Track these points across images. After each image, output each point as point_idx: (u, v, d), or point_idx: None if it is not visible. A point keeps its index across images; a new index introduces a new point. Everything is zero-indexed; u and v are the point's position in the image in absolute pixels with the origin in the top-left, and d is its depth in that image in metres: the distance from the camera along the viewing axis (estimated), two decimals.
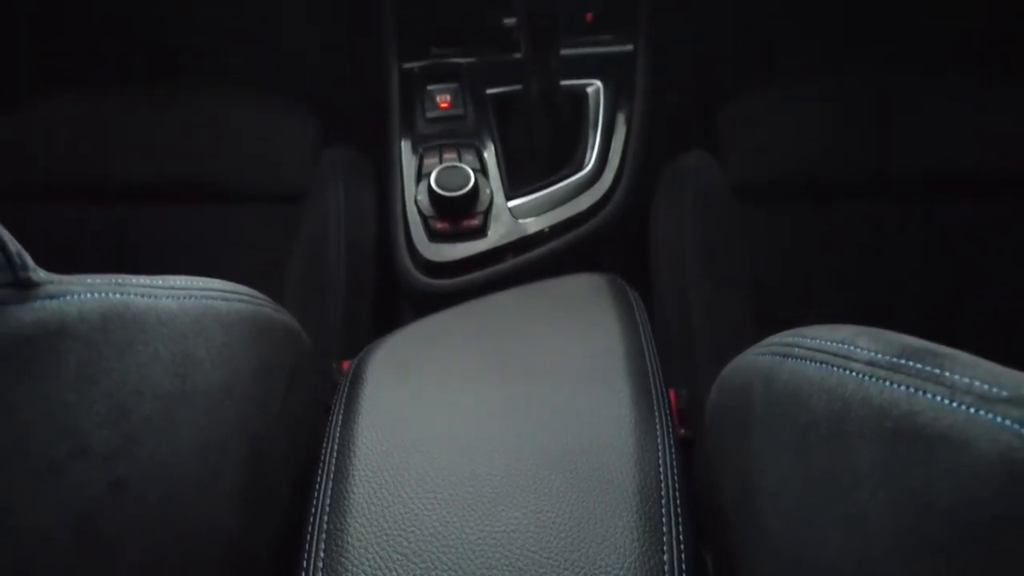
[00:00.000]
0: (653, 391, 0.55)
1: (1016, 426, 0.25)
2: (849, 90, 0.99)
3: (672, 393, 0.69)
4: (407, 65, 1.01)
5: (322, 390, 0.68)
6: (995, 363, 0.30)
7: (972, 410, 0.27)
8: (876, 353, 0.34)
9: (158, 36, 1.19)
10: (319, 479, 0.51)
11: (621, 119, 0.99)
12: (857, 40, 1.12)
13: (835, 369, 0.36)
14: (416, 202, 0.90)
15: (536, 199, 0.92)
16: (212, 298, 0.46)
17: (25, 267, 0.30)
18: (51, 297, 0.31)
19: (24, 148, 0.98)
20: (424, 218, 0.89)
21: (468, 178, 0.87)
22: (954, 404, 0.28)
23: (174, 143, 0.99)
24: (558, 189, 0.93)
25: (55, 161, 0.97)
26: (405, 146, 0.96)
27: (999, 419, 0.26)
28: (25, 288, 0.30)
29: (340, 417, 0.55)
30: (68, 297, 0.33)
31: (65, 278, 0.34)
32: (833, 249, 0.89)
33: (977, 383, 0.28)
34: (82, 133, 1.00)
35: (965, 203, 0.89)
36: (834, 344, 0.37)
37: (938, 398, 0.29)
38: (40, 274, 0.31)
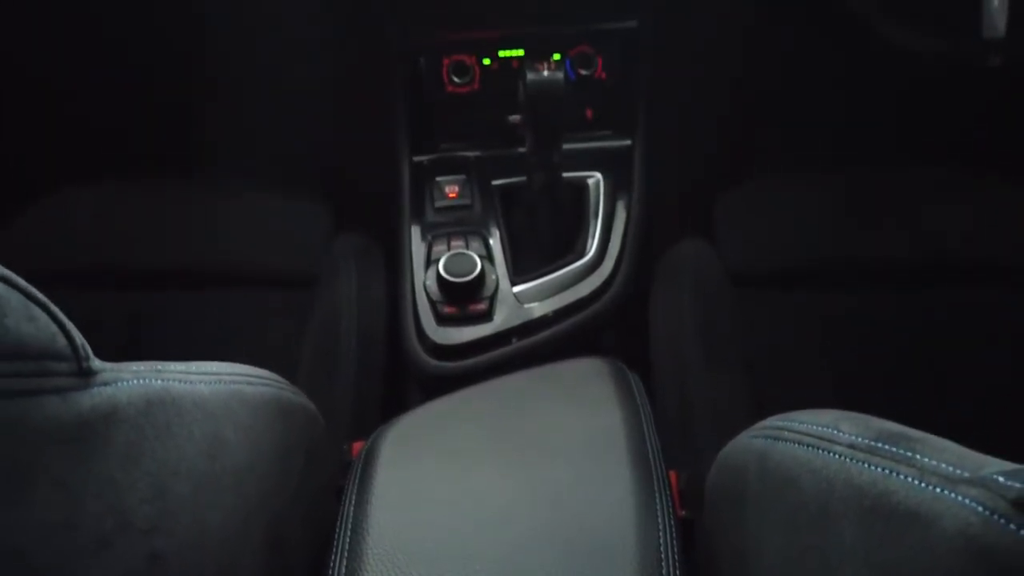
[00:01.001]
0: (654, 473, 0.57)
1: (974, 504, 0.28)
2: (840, 181, 1.05)
3: (673, 475, 0.72)
4: (417, 158, 1.07)
5: (334, 471, 0.70)
6: (963, 446, 0.33)
7: (938, 490, 0.30)
8: (856, 437, 0.37)
9: (176, 129, 1.26)
10: (333, 559, 0.53)
11: (620, 209, 1.03)
12: (848, 133, 1.18)
13: (820, 452, 0.39)
14: (425, 287, 0.94)
15: (540, 284, 0.96)
16: (239, 382, 0.49)
17: (87, 357, 0.33)
18: (105, 384, 0.35)
19: (45, 236, 1.03)
20: (432, 303, 0.93)
21: (475, 265, 0.91)
22: (923, 484, 0.31)
23: (191, 231, 1.04)
24: (561, 275, 0.97)
25: (75, 248, 1.01)
26: (415, 234, 1.01)
27: (960, 498, 0.29)
28: (86, 376, 0.33)
29: (353, 498, 0.57)
30: (119, 384, 0.36)
31: (115, 366, 0.37)
32: (826, 334, 0.92)
33: (943, 465, 0.31)
34: (101, 222, 1.04)
35: (952, 291, 0.93)
36: (819, 428, 0.40)
37: (909, 479, 0.32)
38: (96, 362, 0.35)
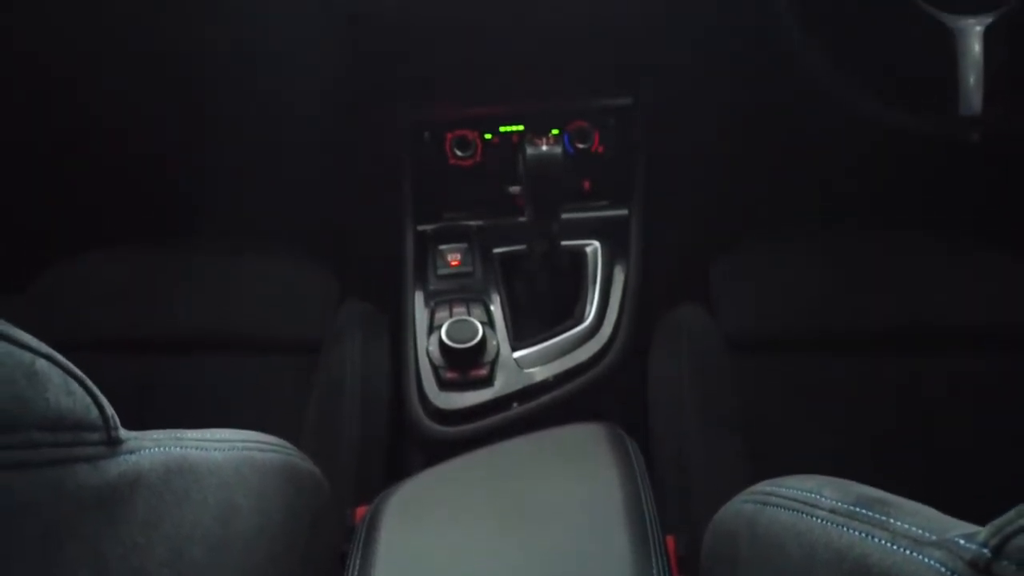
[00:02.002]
0: (651, 539, 0.59)
1: (937, 564, 0.30)
2: (833, 246, 1.08)
3: (671, 540, 0.73)
4: (421, 227, 1.11)
5: (338, 536, 0.71)
6: (940, 509, 0.36)
7: (908, 552, 0.32)
8: (837, 502, 0.39)
9: (183, 195, 1.30)
10: None
11: (618, 276, 1.06)
12: (841, 199, 1.22)
13: (804, 516, 0.41)
14: (428, 353, 0.96)
15: (540, 350, 0.99)
16: (251, 449, 0.51)
17: (116, 427, 0.36)
18: (130, 452, 0.37)
19: (56, 303, 1.06)
20: (435, 368, 0.95)
21: (476, 331, 0.94)
22: (895, 547, 0.33)
23: (197, 296, 1.07)
24: (560, 341, 1.00)
25: (85, 315, 1.04)
26: (418, 301, 1.04)
27: (926, 559, 0.31)
28: (114, 444, 0.36)
29: (357, 563, 0.59)
30: (142, 452, 0.38)
31: (138, 434, 0.39)
32: (821, 398, 0.94)
33: (914, 528, 0.33)
34: (110, 289, 1.07)
35: (944, 356, 0.95)
36: (804, 493, 0.42)
37: (883, 542, 0.34)
38: (122, 431, 0.37)
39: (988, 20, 0.77)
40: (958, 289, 1.01)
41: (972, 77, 0.78)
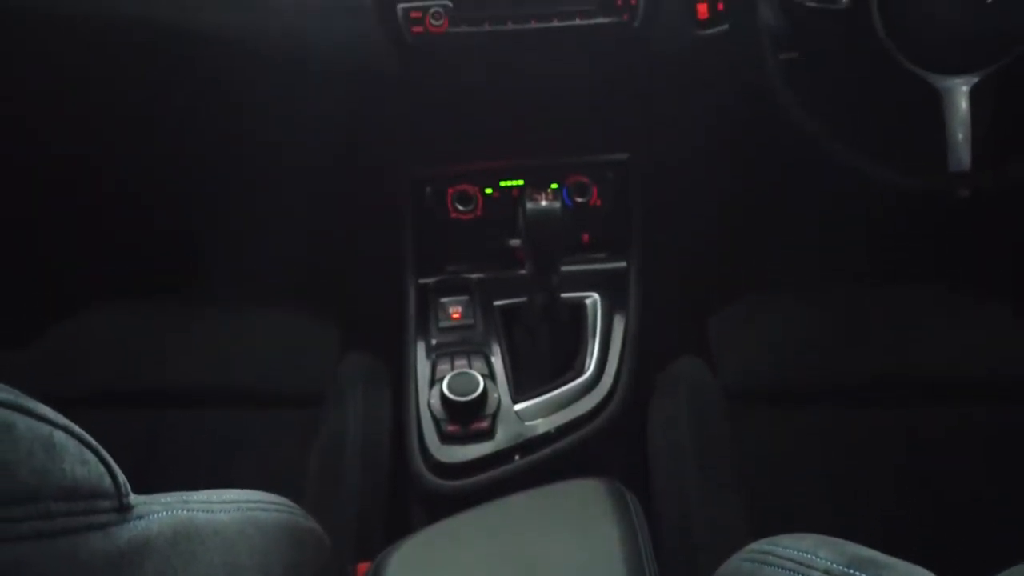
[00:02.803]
0: None
1: None
2: (829, 299, 1.09)
3: None
4: (423, 280, 1.12)
5: None
6: (928, 571, 0.36)
7: None
8: (832, 563, 0.40)
9: (186, 248, 1.32)
10: None
11: (617, 328, 1.08)
12: (838, 252, 1.24)
13: None
14: (429, 406, 0.97)
15: (541, 402, 0.99)
16: (254, 509, 0.52)
17: (127, 493, 0.37)
18: (140, 517, 0.38)
19: (60, 358, 1.07)
20: (436, 421, 0.96)
21: (477, 384, 0.95)
22: None
23: (199, 349, 1.08)
24: (561, 393, 1.00)
25: (88, 369, 1.05)
26: (420, 354, 1.04)
27: None
28: (125, 511, 0.36)
29: None
30: (151, 516, 0.39)
31: (147, 498, 0.40)
32: (821, 451, 0.95)
33: None
34: (110, 343, 1.08)
35: (943, 408, 0.96)
36: (800, 553, 0.43)
37: None
38: (132, 497, 0.38)
39: (973, 80, 0.79)
40: (956, 341, 1.02)
41: (960, 134, 0.80)
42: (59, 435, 0.32)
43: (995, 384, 0.98)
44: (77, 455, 0.32)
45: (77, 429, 0.33)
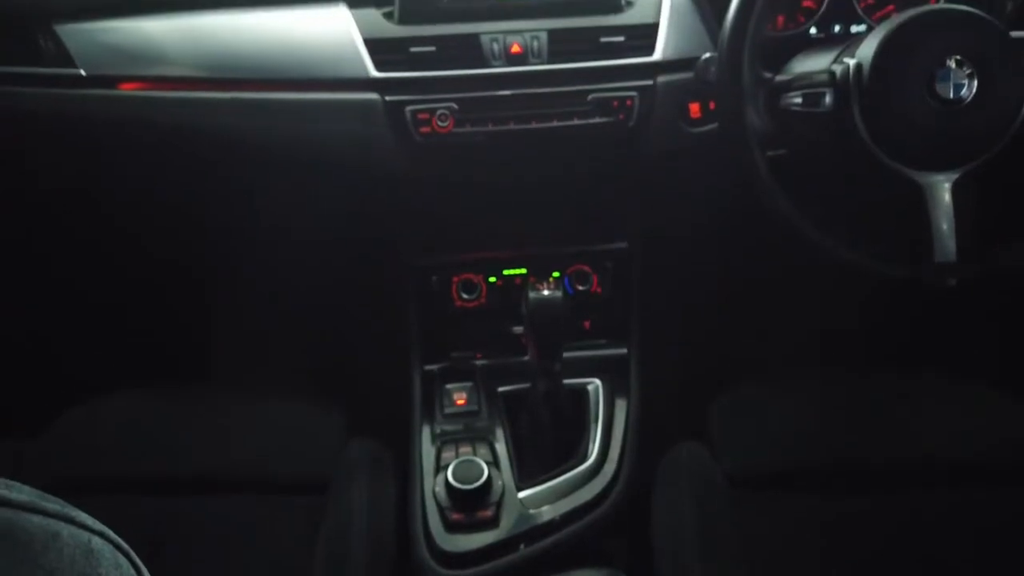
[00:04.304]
0: None
1: None
2: (828, 385, 1.11)
3: None
4: (428, 367, 1.14)
5: None
6: None
7: None
8: None
9: (193, 336, 1.34)
10: None
11: (619, 413, 1.09)
12: (834, 338, 1.26)
13: None
14: (434, 494, 0.97)
15: (545, 489, 1.00)
16: None
17: None
18: None
19: (65, 447, 1.08)
20: (441, 509, 0.96)
21: (481, 471, 0.96)
22: None
23: (206, 437, 1.09)
24: (564, 480, 1.01)
25: (94, 459, 1.06)
26: (425, 440, 1.06)
27: None
28: None
29: None
30: None
31: None
32: (822, 536, 0.95)
33: None
34: (118, 432, 1.09)
35: (944, 491, 0.97)
36: None
37: None
38: None
39: (955, 176, 0.83)
40: (953, 424, 1.03)
41: (945, 225, 0.83)
42: (96, 541, 0.34)
43: (994, 467, 0.99)
44: (111, 559, 0.34)
45: (112, 535, 0.35)
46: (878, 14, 1.04)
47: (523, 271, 1.16)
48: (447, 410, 1.10)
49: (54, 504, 0.32)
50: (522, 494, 0.99)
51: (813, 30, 1.05)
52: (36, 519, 0.31)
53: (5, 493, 0.31)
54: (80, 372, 1.23)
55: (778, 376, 1.12)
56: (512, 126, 1.00)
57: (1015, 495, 0.95)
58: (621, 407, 1.09)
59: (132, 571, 0.36)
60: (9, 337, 1.30)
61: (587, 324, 1.17)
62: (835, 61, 0.84)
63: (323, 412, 1.13)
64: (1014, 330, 1.22)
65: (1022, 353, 1.18)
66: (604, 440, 1.06)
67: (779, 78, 0.90)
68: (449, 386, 1.12)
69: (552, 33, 1.01)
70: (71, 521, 0.32)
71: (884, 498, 0.97)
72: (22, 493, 0.32)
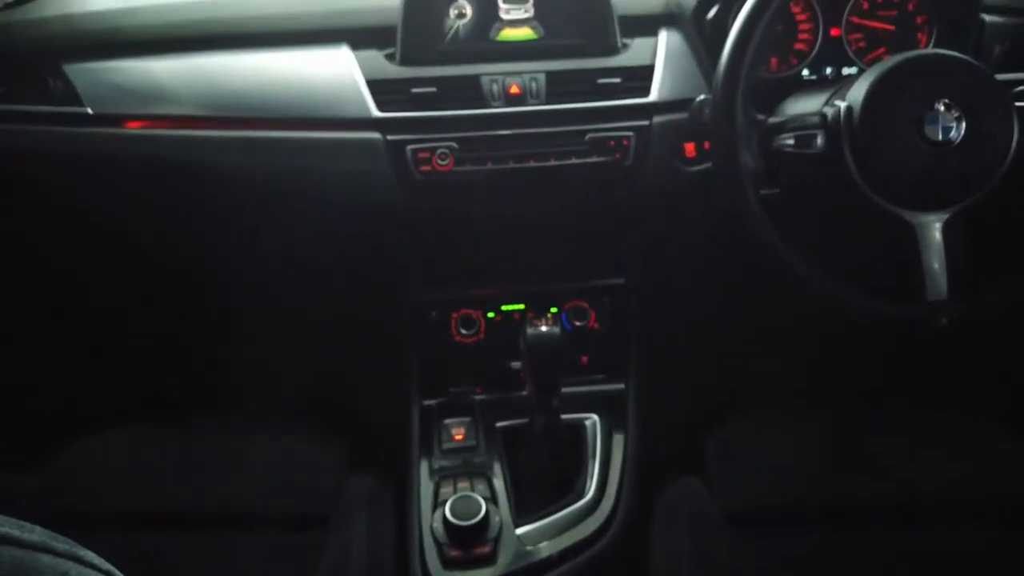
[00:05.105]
0: None
1: None
2: (825, 422, 1.11)
3: None
4: (427, 402, 1.15)
5: None
6: None
7: None
8: None
9: (191, 371, 1.35)
10: None
11: (617, 449, 1.09)
12: (831, 375, 1.27)
13: None
14: (432, 530, 0.97)
15: (542, 526, 1.00)
16: None
17: None
18: None
19: (64, 482, 1.08)
20: (439, 545, 0.96)
21: (479, 507, 0.96)
22: None
23: (203, 472, 1.09)
24: (562, 516, 1.01)
25: (94, 494, 1.06)
26: (423, 475, 1.06)
27: None
28: None
29: None
30: None
31: None
32: (819, 572, 0.95)
33: None
34: (118, 466, 1.10)
35: (944, 529, 0.97)
36: None
37: None
38: None
39: (945, 216, 0.84)
40: (951, 463, 1.03)
41: (936, 264, 0.84)
42: None
43: (994, 505, 0.99)
44: None
45: (117, 574, 0.36)
46: (869, 57, 1.07)
47: (521, 307, 1.17)
48: (445, 445, 1.10)
49: (63, 544, 0.33)
50: (520, 530, 0.99)
51: (805, 72, 1.07)
52: (47, 559, 0.32)
53: (17, 533, 0.32)
54: (81, 407, 1.24)
55: (775, 412, 1.13)
56: (511, 165, 1.02)
57: (1013, 533, 0.95)
58: (619, 442, 1.10)
59: None
60: (9, 369, 1.31)
61: (585, 360, 1.18)
62: (827, 103, 0.86)
63: (322, 447, 1.13)
64: (1006, 367, 1.23)
65: (1016, 390, 1.18)
66: (602, 476, 1.06)
67: (772, 120, 0.92)
68: (447, 421, 1.13)
69: (550, 75, 1.04)
70: (79, 560, 0.33)
71: (880, 535, 0.97)
72: (33, 533, 0.32)
